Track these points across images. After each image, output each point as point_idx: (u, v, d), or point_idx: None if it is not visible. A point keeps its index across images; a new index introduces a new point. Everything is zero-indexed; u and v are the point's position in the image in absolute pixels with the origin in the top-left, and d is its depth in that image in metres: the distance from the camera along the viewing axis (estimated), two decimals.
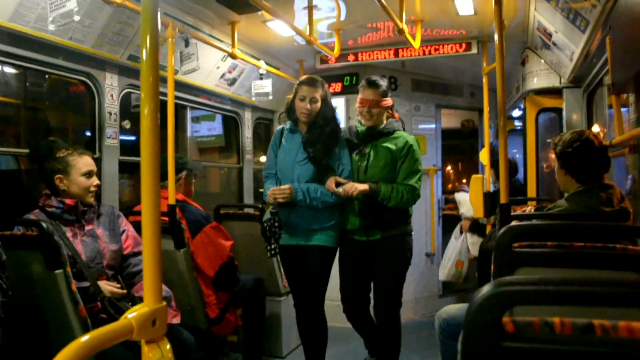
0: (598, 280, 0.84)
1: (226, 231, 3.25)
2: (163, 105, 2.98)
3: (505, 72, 2.46)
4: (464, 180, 8.15)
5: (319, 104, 3.10)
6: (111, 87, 3.35)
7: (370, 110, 3.12)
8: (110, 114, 3.34)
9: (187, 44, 3.36)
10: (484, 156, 4.47)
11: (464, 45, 4.45)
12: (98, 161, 3.28)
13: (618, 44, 2.62)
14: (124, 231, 2.74)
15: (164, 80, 2.97)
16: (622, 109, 2.85)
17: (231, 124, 5.18)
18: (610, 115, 3.35)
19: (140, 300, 2.52)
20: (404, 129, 3.27)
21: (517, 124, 6.53)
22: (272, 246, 3.10)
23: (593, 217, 2.27)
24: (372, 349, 3.38)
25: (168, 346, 1.09)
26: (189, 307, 3.06)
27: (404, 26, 3.37)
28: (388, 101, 3.19)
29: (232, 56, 3.86)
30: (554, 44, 3.66)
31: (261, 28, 3.96)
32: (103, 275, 2.54)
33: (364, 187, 3.01)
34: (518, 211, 3.32)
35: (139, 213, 3.17)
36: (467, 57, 4.57)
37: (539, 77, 4.40)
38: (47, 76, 3.60)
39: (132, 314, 1.03)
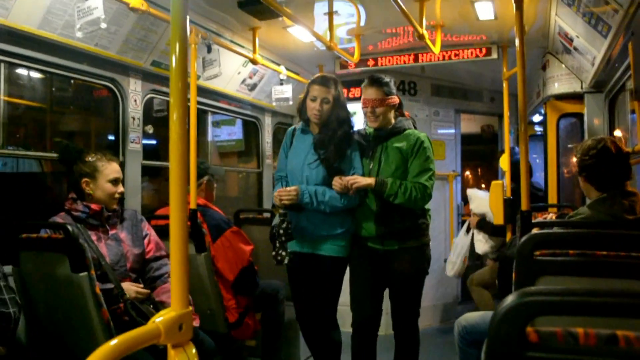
0: (623, 291, 0.83)
1: (246, 236, 3.28)
2: None
3: (526, 77, 2.46)
4: (483, 186, 8.08)
5: (330, 105, 2.93)
6: (135, 93, 3.41)
7: (374, 111, 2.93)
8: (133, 118, 3.40)
9: (209, 50, 3.41)
10: (504, 162, 4.44)
11: (484, 50, 4.44)
12: (121, 165, 3.33)
13: None
14: (146, 235, 2.78)
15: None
16: None
17: (251, 129, 5.23)
18: (633, 121, 3.32)
19: (161, 304, 2.57)
20: (415, 128, 3.09)
21: (538, 129, 6.48)
22: (280, 252, 2.89)
23: (615, 225, 2.24)
24: None
25: (194, 350, 1.11)
26: (209, 311, 3.08)
27: (424, 32, 3.38)
28: (393, 99, 2.98)
29: (253, 62, 3.90)
30: (575, 48, 3.63)
31: (282, 34, 3.99)
32: (127, 278, 2.57)
33: (367, 181, 2.86)
34: (539, 218, 3.29)
35: (161, 217, 3.22)
36: (487, 62, 4.55)
37: (560, 82, 4.36)
38: (71, 81, 3.67)
39: (159, 319, 1.05)
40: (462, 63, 4.60)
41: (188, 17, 1.20)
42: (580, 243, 1.85)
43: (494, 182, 4.24)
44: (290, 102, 4.51)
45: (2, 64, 2.79)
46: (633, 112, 3.18)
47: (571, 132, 4.74)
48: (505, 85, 4.39)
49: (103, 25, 2.58)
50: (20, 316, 2.03)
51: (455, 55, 4.50)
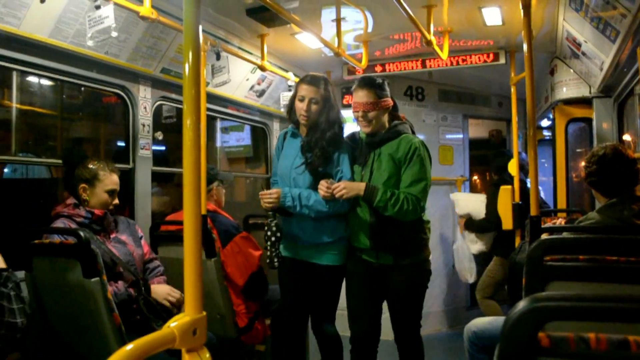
0: (634, 297, 0.84)
1: (255, 241, 3.29)
2: None
3: (534, 81, 2.46)
4: None
5: (320, 106, 2.75)
6: (144, 100, 3.44)
7: (365, 115, 2.71)
8: (143, 125, 3.42)
9: (218, 57, 3.44)
10: (512, 167, 4.43)
11: (491, 56, 4.44)
12: (131, 172, 3.37)
13: None
14: (141, 237, 2.84)
15: None
16: None
17: (259, 135, 5.25)
18: None
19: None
20: (413, 132, 2.88)
21: (546, 133, 6.46)
22: (271, 255, 2.77)
23: (625, 230, 2.24)
24: None
25: (207, 355, 1.12)
26: (219, 316, 3.09)
27: (432, 37, 3.39)
28: (387, 101, 2.75)
29: (262, 68, 3.92)
30: (583, 53, 3.63)
31: (290, 40, 4.01)
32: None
33: (356, 190, 2.65)
34: (548, 223, 3.28)
35: (171, 222, 3.24)
36: (494, 67, 4.54)
37: (568, 86, 4.35)
38: (82, 88, 3.71)
39: (174, 323, 1.06)
40: (469, 68, 4.60)
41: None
42: (590, 248, 1.85)
43: (502, 187, 4.24)
44: None
45: (15, 72, 2.83)
46: None
47: (580, 136, 4.74)
48: (513, 90, 4.40)
49: (114, 34, 2.62)
50: (26, 325, 2.05)
51: (463, 60, 4.50)
